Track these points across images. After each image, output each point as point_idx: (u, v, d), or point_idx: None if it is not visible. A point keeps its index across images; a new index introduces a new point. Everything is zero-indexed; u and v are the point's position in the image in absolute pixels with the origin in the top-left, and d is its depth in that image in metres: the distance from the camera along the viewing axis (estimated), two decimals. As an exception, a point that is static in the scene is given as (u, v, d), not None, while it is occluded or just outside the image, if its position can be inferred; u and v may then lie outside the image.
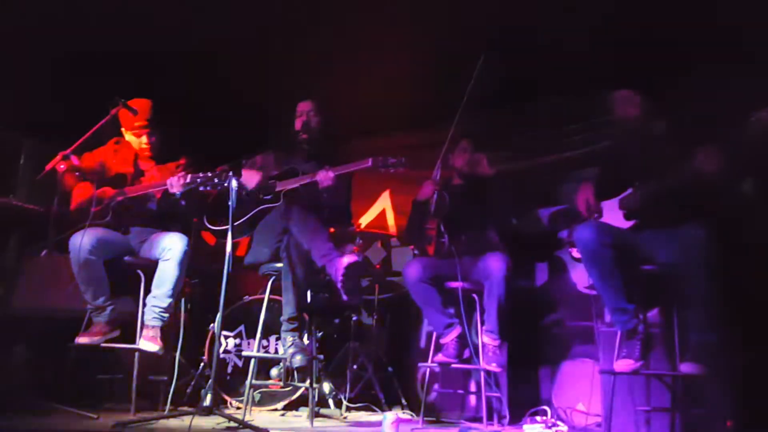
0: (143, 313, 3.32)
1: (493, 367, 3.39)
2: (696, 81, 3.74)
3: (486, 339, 3.45)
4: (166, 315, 3.31)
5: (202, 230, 3.69)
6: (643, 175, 3.03)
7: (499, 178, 3.86)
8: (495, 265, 3.41)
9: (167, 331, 3.33)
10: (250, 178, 3.52)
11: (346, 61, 4.39)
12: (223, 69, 4.53)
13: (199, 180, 3.21)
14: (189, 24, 4.05)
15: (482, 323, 3.51)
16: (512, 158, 4.63)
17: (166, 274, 3.31)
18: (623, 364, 2.88)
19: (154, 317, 3.28)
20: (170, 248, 3.31)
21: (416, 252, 4.11)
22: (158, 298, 3.30)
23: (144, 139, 3.58)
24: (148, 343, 3.22)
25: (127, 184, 3.51)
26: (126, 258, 3.43)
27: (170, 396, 3.29)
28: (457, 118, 3.67)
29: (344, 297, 3.10)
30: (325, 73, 4.48)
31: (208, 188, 3.20)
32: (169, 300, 3.31)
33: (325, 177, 3.33)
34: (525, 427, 3.20)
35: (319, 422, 3.43)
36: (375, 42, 4.18)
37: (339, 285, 3.06)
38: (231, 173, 3.04)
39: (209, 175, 3.16)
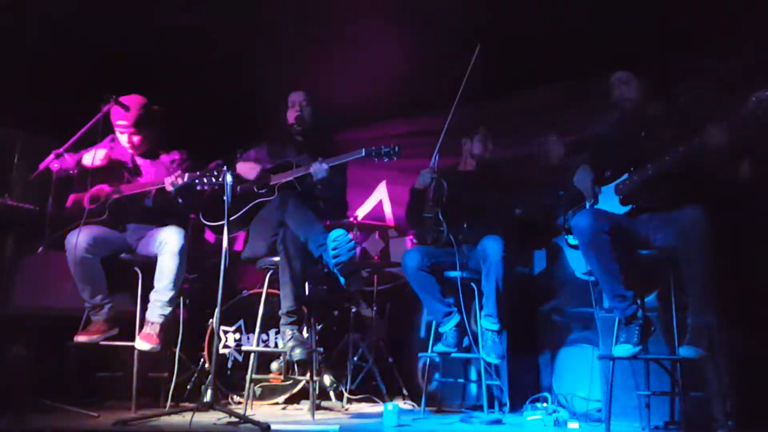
0: (142, 310, 3.32)
1: (493, 359, 3.39)
2: (693, 63, 3.72)
3: (485, 323, 3.45)
4: (169, 308, 3.30)
5: (202, 227, 3.67)
6: (639, 160, 3.02)
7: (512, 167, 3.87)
8: (492, 247, 3.40)
9: (167, 328, 3.32)
10: (249, 170, 3.50)
11: (337, 49, 4.35)
12: (214, 63, 4.50)
13: (196, 180, 3.21)
14: (181, 20, 4.02)
15: (481, 309, 3.51)
16: (510, 146, 4.62)
17: (165, 266, 3.30)
18: (622, 350, 2.88)
19: (157, 311, 3.27)
20: (167, 241, 3.31)
21: (415, 241, 4.11)
22: (159, 291, 3.30)
23: (125, 138, 3.56)
24: (143, 342, 3.21)
25: (123, 181, 3.50)
26: (123, 255, 3.42)
27: (171, 393, 3.30)
28: (454, 107, 3.65)
29: (342, 281, 3.08)
30: (316, 62, 4.45)
31: (205, 185, 3.19)
32: (171, 293, 3.30)
33: (318, 169, 3.32)
34: (526, 414, 3.20)
35: (320, 415, 3.43)
36: (367, 30, 4.15)
37: (335, 267, 3.03)
38: (225, 168, 3.02)
39: (203, 171, 3.15)
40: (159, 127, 3.65)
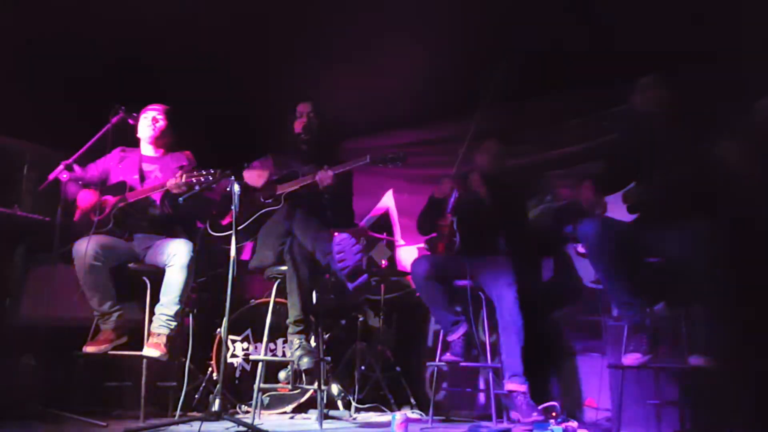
0: (150, 319, 3.32)
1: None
2: (696, 74, 3.71)
3: (512, 386, 3.30)
4: (174, 323, 3.30)
5: (210, 237, 3.68)
6: (647, 168, 3.01)
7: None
8: (506, 298, 3.37)
9: (175, 337, 3.33)
10: (257, 177, 3.51)
11: (344, 59, 4.36)
12: (219, 72, 4.52)
13: (194, 180, 3.22)
14: (188, 30, 4.05)
15: (488, 320, 3.50)
16: (523, 154, 4.62)
17: (173, 280, 3.31)
18: (631, 358, 2.87)
19: (161, 325, 3.28)
20: (175, 254, 3.31)
21: (425, 248, 4.10)
22: (165, 305, 3.30)
23: (149, 121, 3.60)
24: (152, 349, 3.21)
25: (129, 190, 3.51)
26: (130, 265, 3.43)
27: (179, 402, 3.30)
28: (478, 116, 3.63)
29: (349, 285, 3.06)
30: (322, 73, 4.46)
31: (202, 184, 3.20)
32: (176, 307, 3.30)
33: (324, 177, 3.33)
34: (534, 423, 3.18)
35: (328, 424, 3.43)
36: (374, 40, 4.16)
37: (341, 272, 3.02)
38: (232, 177, 3.04)
39: (205, 172, 3.17)
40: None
